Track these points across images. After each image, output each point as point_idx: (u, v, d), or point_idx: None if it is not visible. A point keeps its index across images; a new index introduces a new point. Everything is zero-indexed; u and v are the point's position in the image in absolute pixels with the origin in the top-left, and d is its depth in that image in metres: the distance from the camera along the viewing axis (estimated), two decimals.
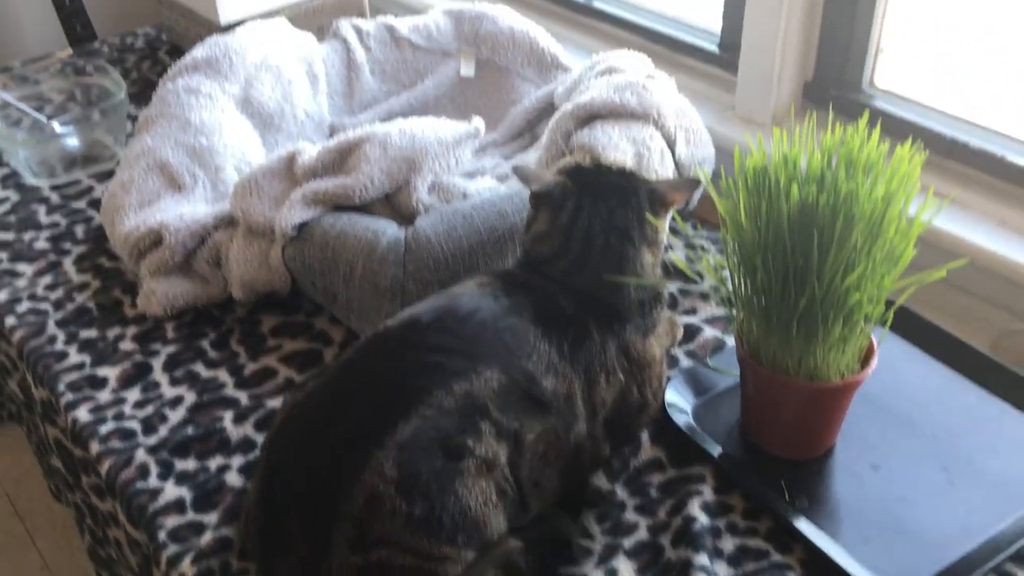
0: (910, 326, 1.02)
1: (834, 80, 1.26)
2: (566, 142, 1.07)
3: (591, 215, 0.87)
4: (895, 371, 0.98)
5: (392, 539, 0.71)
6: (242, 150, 1.18)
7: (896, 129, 1.21)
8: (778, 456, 0.89)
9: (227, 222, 1.08)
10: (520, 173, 0.89)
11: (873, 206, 0.74)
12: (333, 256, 0.98)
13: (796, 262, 0.77)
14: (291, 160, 1.05)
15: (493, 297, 0.82)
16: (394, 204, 1.02)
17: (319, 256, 0.98)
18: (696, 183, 0.94)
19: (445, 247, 0.96)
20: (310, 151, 1.04)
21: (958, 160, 1.16)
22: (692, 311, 1.07)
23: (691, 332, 1.04)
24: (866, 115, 0.82)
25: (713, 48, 1.38)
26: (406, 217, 1.02)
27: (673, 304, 1.08)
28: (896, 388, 0.96)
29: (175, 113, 1.18)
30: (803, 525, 0.81)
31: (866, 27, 1.21)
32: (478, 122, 1.07)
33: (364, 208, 1.02)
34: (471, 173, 1.13)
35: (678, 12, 1.45)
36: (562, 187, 0.88)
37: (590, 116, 1.07)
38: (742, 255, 0.82)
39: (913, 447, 0.89)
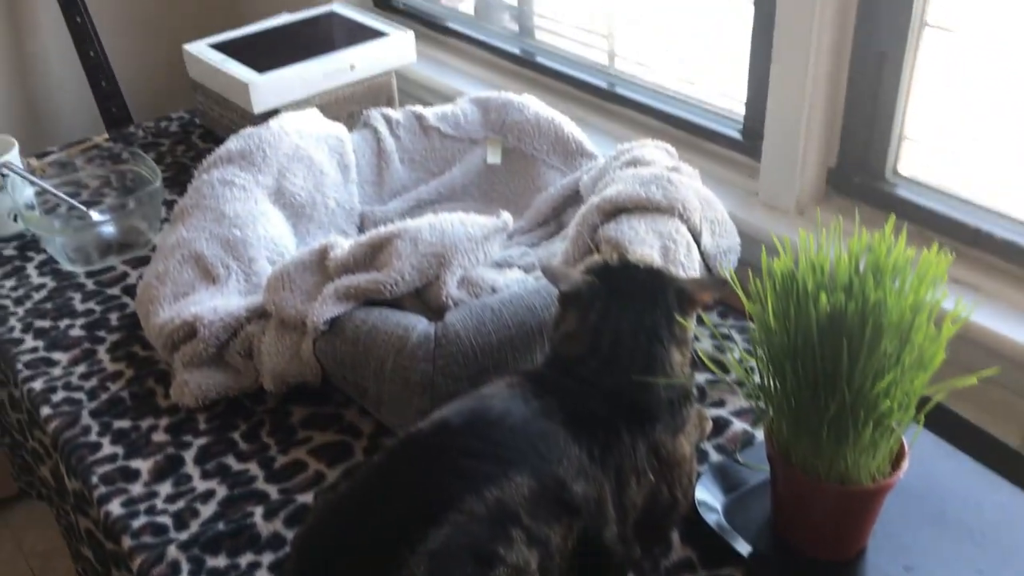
0: (940, 421, 1.01)
1: (857, 167, 1.28)
2: (592, 235, 1.09)
3: (620, 315, 0.88)
4: (926, 467, 0.97)
5: None
6: (274, 241, 1.21)
7: (920, 218, 1.22)
8: (810, 556, 0.88)
9: (259, 314, 1.09)
10: (548, 272, 0.91)
11: (902, 314, 0.75)
12: (364, 351, 0.99)
13: (826, 368, 0.77)
14: (323, 254, 1.07)
15: (523, 400, 0.83)
16: (424, 298, 1.04)
17: (350, 351, 1.00)
18: (724, 283, 0.95)
19: (474, 342, 0.97)
20: (342, 245, 1.07)
21: (984, 250, 1.16)
22: (720, 403, 1.08)
23: (720, 425, 1.04)
24: (892, 220, 0.83)
25: (736, 134, 1.40)
26: (436, 311, 1.03)
27: (701, 396, 1.08)
28: (928, 484, 0.95)
29: (210, 204, 1.21)
30: None
31: (889, 114, 1.22)
32: (506, 217, 1.09)
33: (394, 302, 1.03)
34: (499, 263, 1.15)
35: (701, 94, 1.47)
36: (590, 287, 0.89)
37: (616, 209, 1.09)
38: (771, 357, 0.82)
39: (947, 548, 0.88)
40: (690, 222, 1.10)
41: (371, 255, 1.04)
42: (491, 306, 1.00)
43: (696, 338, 1.12)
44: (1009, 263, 1.14)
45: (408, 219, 1.33)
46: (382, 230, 1.05)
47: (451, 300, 1.02)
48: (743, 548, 0.88)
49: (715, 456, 1.01)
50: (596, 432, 0.83)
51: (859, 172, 1.27)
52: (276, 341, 1.06)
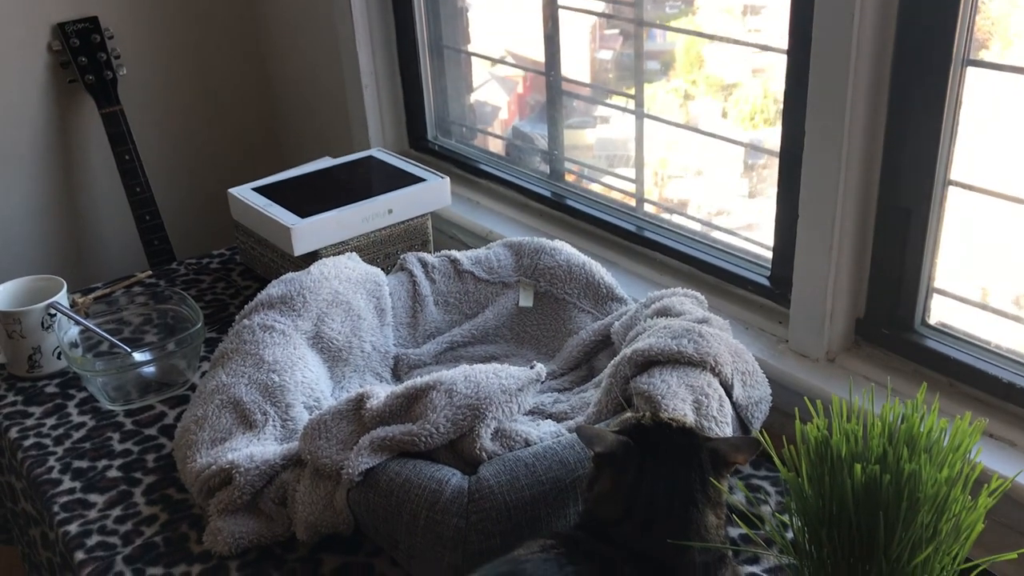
0: None
1: (886, 319, 1.29)
2: (624, 388, 1.10)
3: (655, 478, 0.88)
4: None
5: None
6: (311, 386, 1.23)
7: (950, 370, 1.22)
8: None
9: (295, 462, 1.11)
10: (583, 434, 0.92)
11: (937, 487, 0.75)
12: (397, 504, 1.00)
13: (862, 537, 0.77)
14: (359, 403, 1.09)
15: (558, 565, 0.83)
16: (458, 449, 1.05)
17: (383, 503, 1.00)
18: (757, 443, 0.95)
19: (508, 498, 0.98)
20: (378, 395, 1.08)
21: (1017, 403, 1.16)
22: (754, 560, 1.06)
23: None
24: (924, 388, 0.84)
25: (764, 281, 1.43)
26: (469, 463, 1.04)
27: (734, 553, 1.07)
28: None
29: (249, 350, 1.24)
30: None
31: (916, 267, 1.24)
32: (540, 368, 1.11)
33: (428, 454, 1.04)
34: (530, 411, 1.16)
35: (727, 238, 1.50)
36: (625, 448, 0.90)
37: (648, 362, 1.11)
38: (807, 523, 0.82)
39: None
40: (722, 375, 1.11)
41: (406, 406, 1.06)
42: (524, 460, 1.01)
43: (730, 488, 1.12)
44: None
45: (441, 362, 1.36)
46: (418, 381, 1.07)
47: (485, 453, 1.03)
48: None
49: None
50: None
51: (887, 324, 1.29)
52: (311, 490, 1.07)
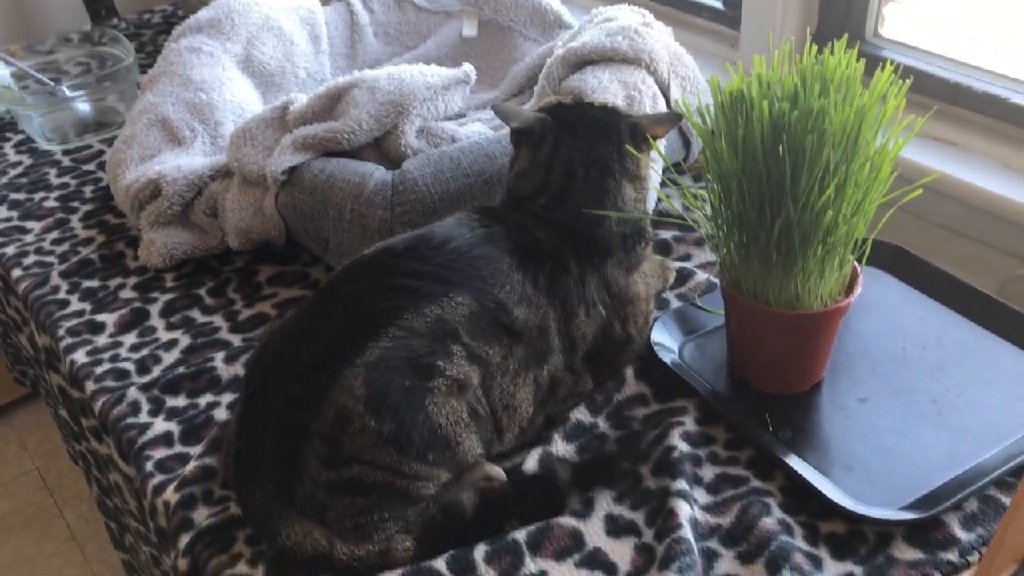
0: (912, 270, 1.00)
1: (838, 31, 1.24)
2: (557, 88, 1.07)
3: (571, 149, 0.87)
4: (893, 313, 0.96)
5: (363, 456, 0.72)
6: (241, 106, 1.20)
7: (900, 77, 1.19)
8: (764, 391, 0.88)
9: (223, 173, 1.09)
10: (500, 111, 0.90)
11: (845, 122, 0.73)
12: (322, 200, 0.98)
13: (771, 182, 0.76)
14: (284, 109, 1.06)
15: (469, 228, 0.83)
16: (383, 149, 1.03)
17: (308, 200, 0.99)
18: (679, 116, 0.93)
19: (432, 189, 0.97)
20: (302, 99, 1.06)
21: (963, 106, 1.14)
22: (686, 257, 1.07)
23: (684, 276, 1.03)
24: (845, 38, 0.81)
25: (718, 4, 1.37)
26: (395, 162, 1.02)
27: (667, 250, 1.07)
28: (892, 328, 0.94)
29: (177, 71, 1.20)
30: (785, 454, 0.80)
31: None
32: (468, 68, 1.07)
33: (354, 154, 1.02)
34: (462, 124, 1.13)
35: None
36: (542, 123, 0.88)
37: (581, 61, 1.07)
38: (721, 183, 0.81)
39: (904, 381, 0.88)
40: (657, 74, 1.08)
41: (329, 106, 1.04)
42: (450, 155, 0.99)
43: (668, 196, 1.11)
44: (988, 117, 1.12)
45: None
46: (340, 80, 1.04)
47: (410, 150, 1.01)
48: (698, 384, 0.88)
49: (676, 304, 1.00)
50: (543, 262, 0.82)
51: (839, 34, 1.24)
52: (239, 197, 1.05)
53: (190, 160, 1.11)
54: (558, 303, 0.82)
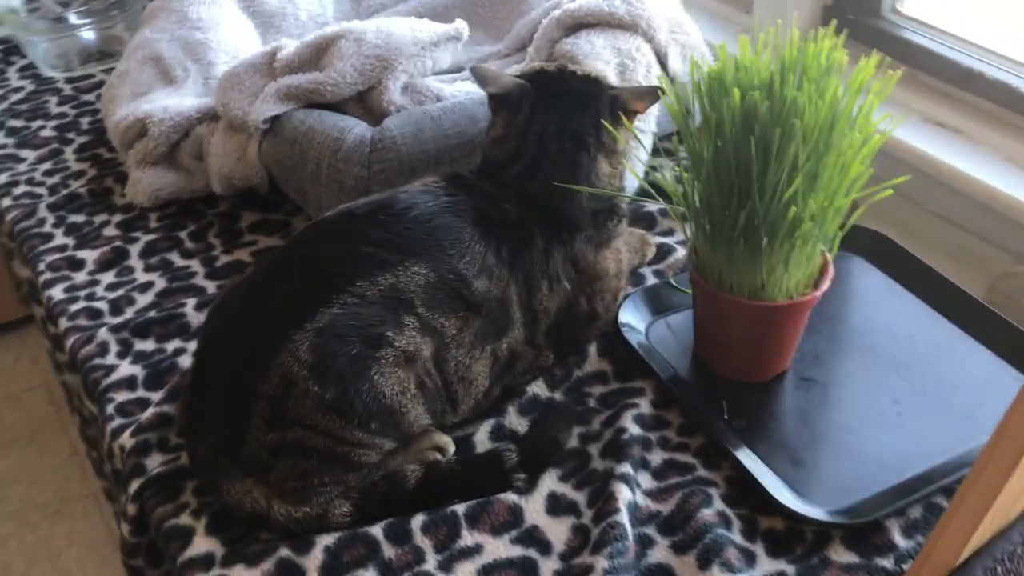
0: (894, 261, 0.98)
1: (854, 4, 1.20)
2: (551, 50, 1.05)
3: (546, 120, 0.85)
4: (869, 304, 0.95)
5: (305, 421, 0.72)
6: (237, 48, 1.19)
7: (913, 57, 1.15)
8: (726, 378, 0.87)
9: (211, 116, 1.09)
10: (477, 74, 0.88)
11: (817, 116, 0.71)
12: (301, 152, 0.98)
13: (740, 175, 0.74)
14: (273, 55, 1.05)
15: (433, 195, 0.82)
16: (367, 104, 1.02)
17: (288, 152, 0.99)
18: (658, 92, 0.91)
19: (411, 149, 0.96)
20: (290, 46, 1.04)
21: (975, 92, 1.10)
22: (669, 232, 1.05)
23: (664, 252, 1.01)
24: (834, 24, 0.78)
25: None
26: (378, 117, 1.01)
27: (652, 224, 1.06)
28: (866, 320, 0.92)
29: (175, 7, 1.19)
30: (735, 444, 0.79)
31: None
32: (460, 24, 1.05)
33: (338, 107, 1.01)
34: (454, 80, 1.12)
35: None
36: (520, 90, 0.86)
37: (577, 24, 1.04)
38: (694, 168, 0.79)
39: (869, 378, 0.86)
40: (655, 42, 1.05)
41: (316, 56, 1.02)
42: (431, 114, 0.98)
43: (658, 167, 1.08)
44: (997, 105, 1.08)
45: None
46: (328, 30, 1.02)
47: (393, 106, 1.00)
48: (660, 366, 0.87)
49: (652, 280, 0.98)
50: (506, 233, 0.81)
51: (855, 9, 1.20)
52: (224, 142, 1.05)
53: (179, 100, 1.11)
54: (520, 276, 0.81)
